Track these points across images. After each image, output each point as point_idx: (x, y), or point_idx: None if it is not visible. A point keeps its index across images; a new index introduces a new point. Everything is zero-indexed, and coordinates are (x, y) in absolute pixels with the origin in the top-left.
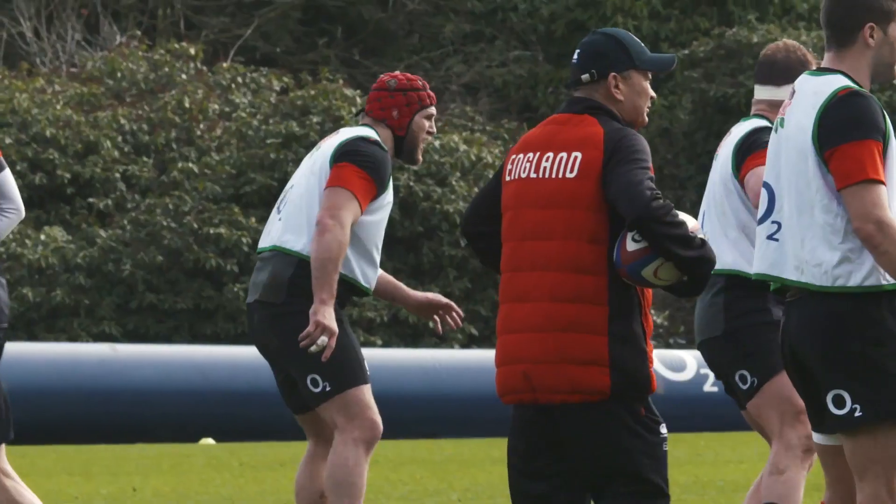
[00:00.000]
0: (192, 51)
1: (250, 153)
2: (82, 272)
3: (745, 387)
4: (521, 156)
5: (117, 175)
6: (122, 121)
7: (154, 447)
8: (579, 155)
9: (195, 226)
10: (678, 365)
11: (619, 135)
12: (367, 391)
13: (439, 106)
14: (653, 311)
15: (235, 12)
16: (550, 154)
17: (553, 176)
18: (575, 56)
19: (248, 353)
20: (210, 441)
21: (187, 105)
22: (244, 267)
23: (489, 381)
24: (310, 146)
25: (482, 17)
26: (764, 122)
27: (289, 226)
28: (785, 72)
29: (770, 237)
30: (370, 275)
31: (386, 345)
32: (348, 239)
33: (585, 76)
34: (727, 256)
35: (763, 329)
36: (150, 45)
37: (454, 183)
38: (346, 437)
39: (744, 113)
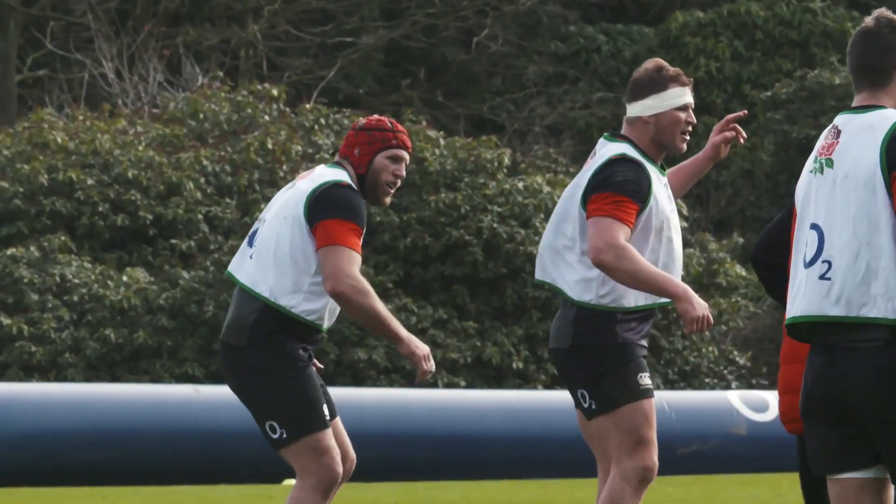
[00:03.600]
0: (275, 92)
1: None
2: (165, 313)
3: (584, 405)
4: None
5: (200, 216)
6: (205, 162)
7: (237, 488)
8: None
9: None
10: (761, 405)
11: None
12: (323, 437)
13: (522, 147)
14: (735, 352)
15: (318, 54)
16: None
17: None
18: None
19: (330, 394)
20: (293, 482)
21: (270, 146)
22: None
23: (573, 422)
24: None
25: (565, 58)
26: (625, 150)
27: (258, 267)
28: (636, 88)
29: (822, 277)
30: (326, 320)
31: (469, 386)
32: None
33: None
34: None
35: (608, 352)
36: (233, 86)
37: (537, 224)
38: (304, 483)
39: None
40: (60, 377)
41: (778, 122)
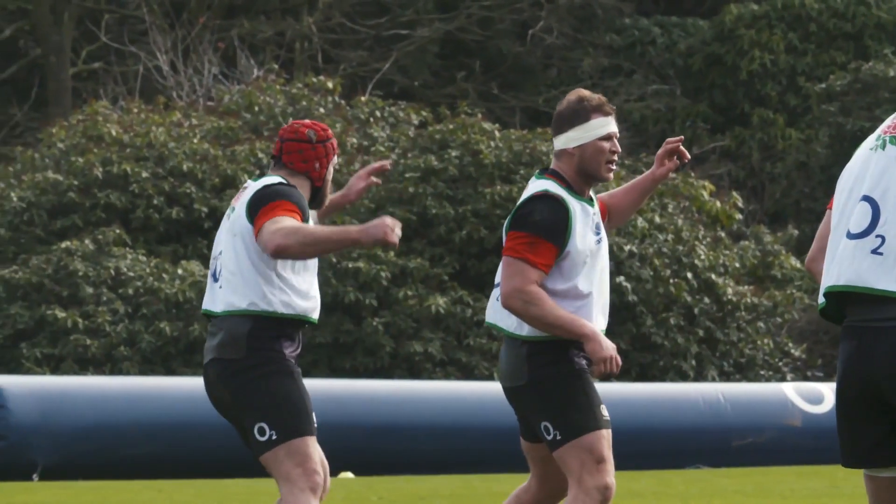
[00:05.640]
0: (330, 84)
1: (389, 187)
2: None
3: (548, 437)
4: None
5: None
6: (260, 155)
7: None
8: None
9: (333, 260)
10: (816, 397)
11: None
12: (311, 443)
13: None
14: (790, 344)
15: (373, 46)
16: None
17: None
18: None
19: (386, 387)
20: (349, 475)
21: None
22: (383, 301)
23: (625, 414)
24: (448, 180)
25: (620, 51)
26: (548, 187)
27: (231, 290)
28: (559, 121)
29: (874, 251)
30: (302, 304)
31: None
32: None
33: None
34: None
35: (568, 380)
36: (288, 78)
37: None
38: (294, 487)
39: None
40: (115, 370)
41: (832, 114)
